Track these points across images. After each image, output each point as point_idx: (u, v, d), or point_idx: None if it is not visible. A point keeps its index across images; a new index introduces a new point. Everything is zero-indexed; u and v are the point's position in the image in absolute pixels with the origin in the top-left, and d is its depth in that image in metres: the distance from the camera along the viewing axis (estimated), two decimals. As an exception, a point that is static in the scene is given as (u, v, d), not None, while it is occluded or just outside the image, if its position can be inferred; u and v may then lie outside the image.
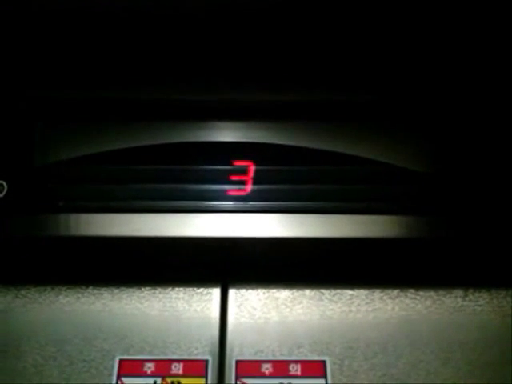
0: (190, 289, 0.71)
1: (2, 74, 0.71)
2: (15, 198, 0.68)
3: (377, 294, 0.70)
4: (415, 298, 0.69)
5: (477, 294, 0.69)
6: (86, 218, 0.68)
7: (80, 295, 0.70)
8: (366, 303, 0.69)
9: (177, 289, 0.71)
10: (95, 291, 0.70)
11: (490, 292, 0.69)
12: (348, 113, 0.73)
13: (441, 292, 0.70)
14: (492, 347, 0.65)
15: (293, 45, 0.67)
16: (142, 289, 0.71)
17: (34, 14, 0.64)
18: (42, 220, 0.68)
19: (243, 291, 0.71)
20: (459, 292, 0.70)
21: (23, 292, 0.70)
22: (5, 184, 0.68)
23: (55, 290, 0.70)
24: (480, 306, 0.69)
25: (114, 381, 0.63)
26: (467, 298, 0.69)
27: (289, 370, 0.64)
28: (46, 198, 0.69)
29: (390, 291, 0.70)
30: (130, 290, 0.71)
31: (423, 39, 0.68)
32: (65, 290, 0.70)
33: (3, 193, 0.68)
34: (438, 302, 0.69)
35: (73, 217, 0.68)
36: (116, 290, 0.71)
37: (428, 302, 0.69)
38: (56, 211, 0.68)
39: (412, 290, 0.70)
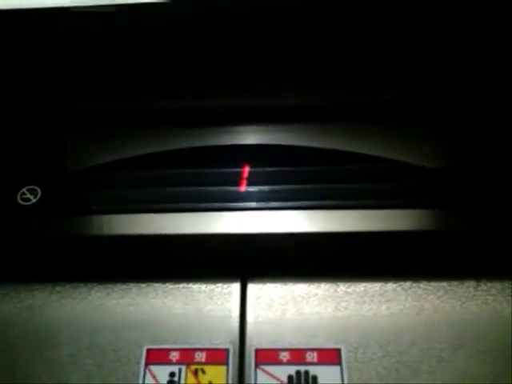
0: (212, 283, 0.75)
1: (32, 86, 0.78)
2: (48, 202, 0.74)
3: (390, 285, 0.72)
4: (428, 289, 0.71)
5: (489, 284, 0.71)
6: (114, 218, 0.73)
7: (110, 291, 0.75)
8: (380, 294, 0.72)
9: (199, 284, 0.75)
10: (124, 287, 0.75)
11: (501, 282, 0.71)
12: (362, 113, 0.77)
13: (453, 283, 0.71)
14: (504, 335, 0.67)
15: (308, 48, 0.71)
16: (167, 284, 0.75)
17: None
18: (73, 221, 0.74)
19: (261, 285, 0.74)
20: (471, 282, 0.71)
21: (58, 288, 0.76)
22: (38, 189, 0.74)
23: (87, 286, 0.75)
24: (492, 295, 0.70)
25: (142, 368, 0.68)
26: (479, 288, 0.71)
27: (305, 358, 0.67)
28: (77, 201, 0.75)
29: (402, 283, 0.72)
30: (156, 285, 0.75)
31: (440, 38, 0.71)
32: (96, 286, 0.75)
33: (38, 197, 0.74)
34: (450, 292, 0.71)
35: (102, 218, 0.73)
36: (143, 285, 0.75)
37: (440, 293, 0.71)
38: (86, 213, 0.74)
39: (425, 282, 0.72)
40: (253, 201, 0.74)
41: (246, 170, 0.74)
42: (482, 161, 0.73)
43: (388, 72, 0.76)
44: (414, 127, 0.76)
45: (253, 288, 0.74)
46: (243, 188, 0.74)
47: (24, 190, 0.74)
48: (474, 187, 0.72)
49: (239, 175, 0.75)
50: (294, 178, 0.75)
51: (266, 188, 0.75)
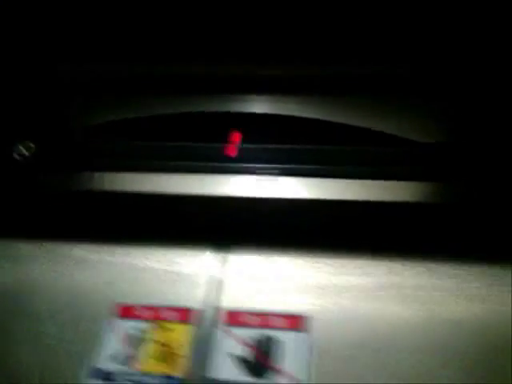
0: (188, 246, 0.75)
1: (37, 44, 0.80)
2: (43, 158, 0.77)
3: (366, 257, 0.69)
4: (406, 265, 0.68)
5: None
6: (107, 176, 0.74)
7: (92, 249, 0.76)
8: (357, 267, 0.69)
9: (181, 246, 0.75)
10: (104, 245, 0.76)
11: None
12: (362, 86, 0.74)
13: (455, 261, 0.68)
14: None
15: (316, 18, 0.70)
16: (151, 245, 0.76)
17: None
18: (71, 177, 0.75)
19: (241, 251, 0.74)
20: (462, 259, 0.68)
21: (42, 245, 0.77)
22: (33, 145, 0.77)
23: (70, 243, 0.77)
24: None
25: (112, 323, 0.68)
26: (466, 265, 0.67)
27: (273, 322, 0.65)
28: (75, 158, 0.77)
29: (379, 256, 0.69)
30: (140, 245, 0.76)
31: (442, 13, 0.68)
32: (78, 243, 0.77)
33: (32, 152, 0.77)
34: (442, 268, 0.67)
35: (97, 175, 0.74)
36: (126, 246, 0.76)
37: (419, 270, 0.67)
38: (84, 169, 0.75)
39: (404, 257, 0.69)
40: (240, 166, 0.73)
41: (236, 136, 0.74)
42: (487, 134, 0.69)
43: (392, 45, 0.74)
44: (416, 101, 0.73)
45: (232, 253, 0.73)
46: (232, 153, 0.73)
47: (19, 145, 0.77)
48: (477, 162, 0.68)
49: (228, 141, 0.74)
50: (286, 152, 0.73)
51: (254, 153, 0.73)
